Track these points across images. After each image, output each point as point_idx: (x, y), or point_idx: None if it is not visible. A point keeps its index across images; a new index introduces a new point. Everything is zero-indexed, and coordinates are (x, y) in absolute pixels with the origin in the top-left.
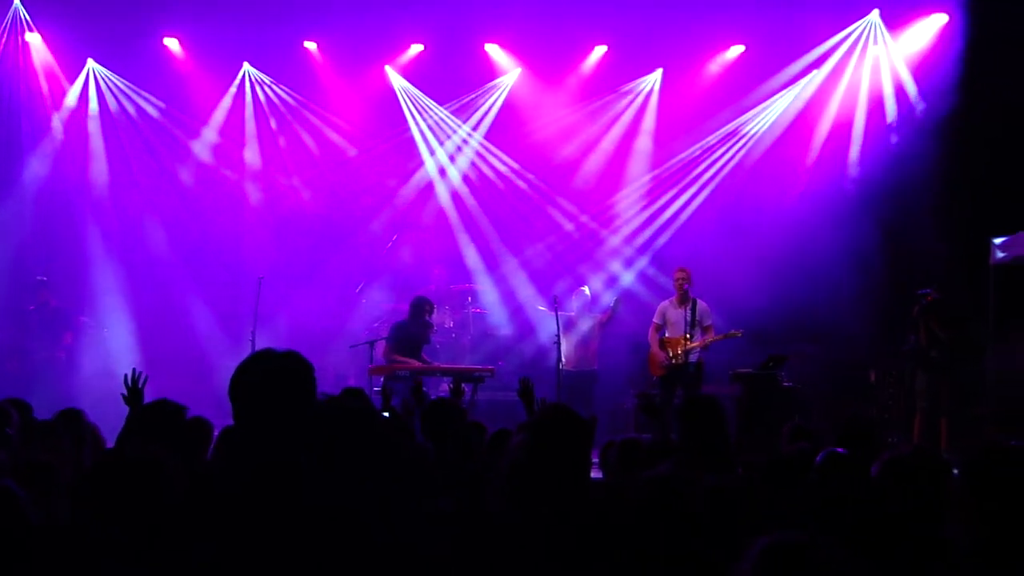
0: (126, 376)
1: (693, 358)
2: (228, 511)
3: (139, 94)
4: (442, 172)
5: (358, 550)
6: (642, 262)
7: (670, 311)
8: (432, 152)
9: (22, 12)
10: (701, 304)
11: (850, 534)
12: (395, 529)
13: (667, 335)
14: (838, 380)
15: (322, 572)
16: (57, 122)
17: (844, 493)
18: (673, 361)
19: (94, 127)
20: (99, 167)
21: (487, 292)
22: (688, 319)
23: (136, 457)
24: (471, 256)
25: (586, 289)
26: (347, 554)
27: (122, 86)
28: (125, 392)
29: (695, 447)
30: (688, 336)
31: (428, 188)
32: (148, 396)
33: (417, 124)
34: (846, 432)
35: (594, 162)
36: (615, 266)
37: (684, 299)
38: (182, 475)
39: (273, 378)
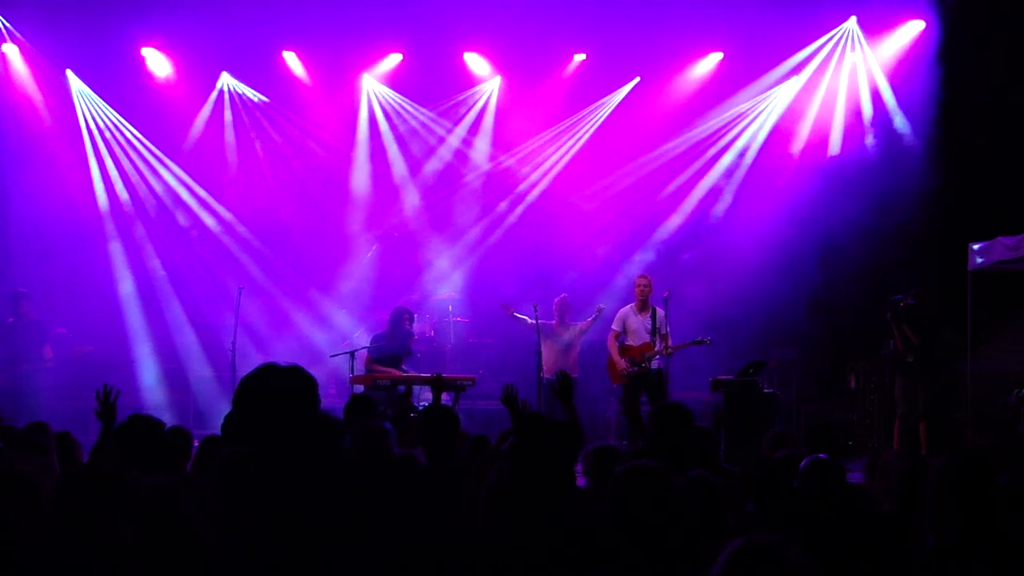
0: (98, 392)
1: (654, 365)
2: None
3: (117, 104)
4: (420, 180)
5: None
6: (629, 269)
7: (631, 318)
8: (409, 159)
9: (3, 22)
10: (660, 312)
11: (838, 538)
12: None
13: (627, 342)
14: (818, 386)
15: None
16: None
17: (831, 498)
18: (639, 368)
19: (73, 138)
20: (79, 179)
21: (467, 300)
22: (649, 327)
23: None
24: (450, 264)
25: (566, 297)
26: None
27: (102, 106)
28: (98, 407)
29: (665, 454)
30: (653, 343)
31: (406, 197)
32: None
33: (394, 132)
34: (811, 437)
35: (574, 168)
36: (594, 273)
37: (644, 306)
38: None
39: (281, 392)
